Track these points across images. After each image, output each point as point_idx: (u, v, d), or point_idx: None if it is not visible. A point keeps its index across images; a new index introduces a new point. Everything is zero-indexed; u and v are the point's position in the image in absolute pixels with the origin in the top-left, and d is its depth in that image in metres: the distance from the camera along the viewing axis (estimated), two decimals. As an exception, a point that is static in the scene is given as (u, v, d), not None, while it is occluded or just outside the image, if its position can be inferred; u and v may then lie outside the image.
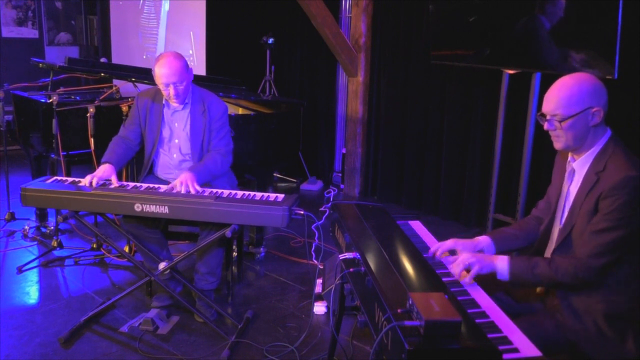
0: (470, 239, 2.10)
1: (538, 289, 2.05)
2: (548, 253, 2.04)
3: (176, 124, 3.10)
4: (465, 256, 1.90)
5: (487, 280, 1.89)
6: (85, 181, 2.82)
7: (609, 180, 1.78)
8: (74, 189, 2.76)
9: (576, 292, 1.85)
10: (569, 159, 1.98)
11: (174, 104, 3.05)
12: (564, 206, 1.98)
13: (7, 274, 3.53)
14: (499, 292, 2.03)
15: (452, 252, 2.06)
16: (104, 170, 2.90)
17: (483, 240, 2.11)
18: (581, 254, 1.80)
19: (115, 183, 2.87)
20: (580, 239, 1.85)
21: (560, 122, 1.86)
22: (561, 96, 1.85)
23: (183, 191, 2.77)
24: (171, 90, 2.93)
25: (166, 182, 3.11)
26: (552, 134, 1.92)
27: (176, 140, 3.11)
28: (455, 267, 1.88)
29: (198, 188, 2.80)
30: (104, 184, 2.84)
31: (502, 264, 1.88)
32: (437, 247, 2.08)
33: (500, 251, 2.10)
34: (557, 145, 1.93)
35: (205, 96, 3.12)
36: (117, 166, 2.98)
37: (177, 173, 3.10)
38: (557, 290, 1.91)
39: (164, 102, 3.07)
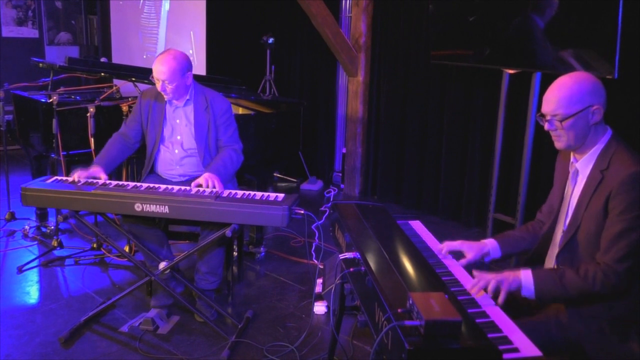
0: (477, 241, 2.10)
1: None
2: (550, 256, 2.02)
3: (178, 121, 3.13)
4: (492, 275, 1.80)
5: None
6: (72, 177, 2.85)
7: (616, 178, 1.76)
8: (74, 188, 2.76)
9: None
10: (572, 159, 1.97)
11: (167, 98, 3.08)
12: (568, 208, 1.96)
13: (7, 274, 3.53)
14: None
15: (459, 253, 2.06)
16: (93, 169, 2.93)
17: (489, 242, 2.10)
18: (607, 260, 1.75)
19: (103, 180, 2.88)
20: (587, 240, 1.83)
21: (560, 121, 1.85)
22: (561, 96, 1.85)
23: (210, 187, 2.80)
24: (159, 86, 2.99)
25: (168, 181, 3.13)
26: (552, 134, 1.91)
27: (178, 137, 3.13)
28: (487, 289, 1.77)
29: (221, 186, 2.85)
30: (104, 183, 2.85)
31: (526, 278, 1.79)
32: (445, 245, 2.09)
33: (506, 253, 2.09)
34: (559, 145, 1.92)
35: (208, 93, 3.16)
36: (106, 169, 2.99)
37: (178, 169, 3.15)
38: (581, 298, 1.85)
39: (167, 99, 3.09)
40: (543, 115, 1.91)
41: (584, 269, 1.78)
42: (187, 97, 3.10)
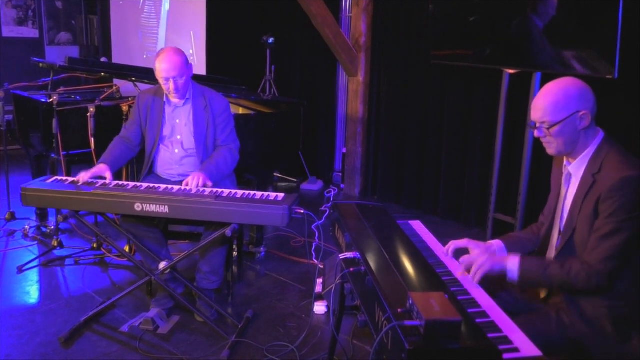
0: (484, 242, 2.11)
1: (542, 294, 2.04)
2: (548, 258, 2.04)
3: (177, 120, 3.13)
4: (477, 255, 1.90)
5: (493, 281, 1.87)
6: (78, 178, 2.85)
7: (607, 182, 1.78)
8: (74, 188, 2.76)
9: (584, 295, 1.84)
10: (565, 163, 1.99)
11: (173, 99, 3.08)
12: (563, 210, 1.98)
13: (7, 274, 3.53)
14: (502, 292, 2.03)
15: (464, 250, 2.06)
16: (99, 168, 2.92)
17: (495, 243, 2.11)
18: (591, 260, 1.78)
19: (109, 179, 2.88)
20: (583, 243, 1.84)
21: (548, 128, 1.87)
22: (547, 103, 1.86)
23: (194, 188, 2.79)
24: (171, 85, 2.98)
25: (167, 181, 3.13)
26: (543, 141, 1.94)
27: (178, 137, 3.13)
28: (468, 265, 1.88)
29: (209, 183, 2.84)
30: (104, 183, 2.85)
31: (512, 263, 1.86)
32: (450, 244, 2.09)
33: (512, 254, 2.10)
34: (549, 151, 1.94)
35: (206, 92, 3.17)
36: (112, 167, 2.99)
37: (177, 169, 3.15)
38: (564, 292, 1.89)
39: (164, 99, 3.10)
40: (533, 123, 1.92)
41: (568, 265, 1.81)
42: (187, 97, 3.11)
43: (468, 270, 1.88)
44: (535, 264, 1.85)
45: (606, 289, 1.80)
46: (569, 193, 1.95)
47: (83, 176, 2.86)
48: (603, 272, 1.77)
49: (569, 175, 1.96)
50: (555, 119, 1.85)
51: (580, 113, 1.84)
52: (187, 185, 2.83)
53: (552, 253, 2.00)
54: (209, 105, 3.11)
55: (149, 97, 3.16)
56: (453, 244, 2.09)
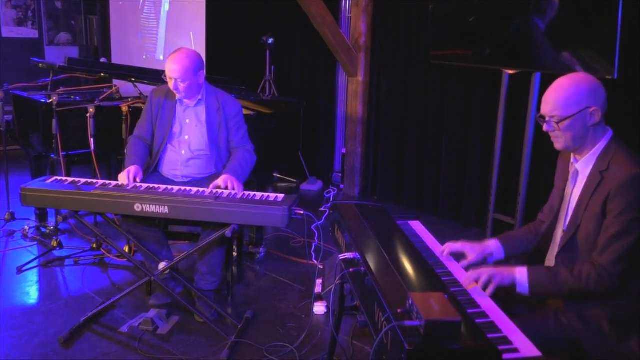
0: (479, 242, 2.10)
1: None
2: (550, 256, 2.03)
3: (187, 120, 3.13)
4: (486, 269, 1.85)
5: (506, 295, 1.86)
6: (121, 180, 2.87)
7: (614, 181, 1.77)
8: (74, 189, 2.76)
9: (588, 297, 1.83)
10: (572, 160, 1.97)
11: (184, 99, 3.10)
12: (568, 208, 1.97)
13: (7, 274, 3.53)
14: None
15: (461, 254, 2.06)
16: (135, 170, 2.94)
17: (492, 243, 2.10)
18: (602, 261, 1.76)
19: (139, 179, 2.92)
20: (586, 241, 1.83)
21: (558, 123, 1.86)
22: (558, 97, 1.85)
23: (229, 188, 2.81)
24: (172, 84, 3.00)
25: (171, 181, 3.13)
26: (551, 135, 1.92)
27: (186, 137, 3.13)
28: (479, 281, 1.82)
29: (239, 185, 2.86)
30: (104, 183, 2.86)
31: (521, 274, 1.83)
32: (446, 247, 2.08)
33: (509, 254, 2.10)
34: (557, 145, 1.93)
35: (219, 94, 3.19)
36: (142, 167, 3.05)
37: (182, 170, 3.15)
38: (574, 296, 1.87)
39: (177, 98, 3.11)
40: (542, 117, 1.91)
41: (578, 269, 1.79)
42: (199, 97, 3.12)
43: (476, 281, 1.84)
44: (544, 274, 1.83)
45: (618, 291, 1.78)
46: (575, 190, 1.94)
47: (124, 180, 2.86)
48: (614, 274, 1.75)
49: (576, 173, 1.95)
50: (565, 114, 1.84)
51: (591, 109, 1.83)
52: (217, 187, 2.84)
53: (554, 250, 1.99)
54: (222, 107, 3.13)
55: (161, 95, 3.17)
56: (448, 247, 2.08)
